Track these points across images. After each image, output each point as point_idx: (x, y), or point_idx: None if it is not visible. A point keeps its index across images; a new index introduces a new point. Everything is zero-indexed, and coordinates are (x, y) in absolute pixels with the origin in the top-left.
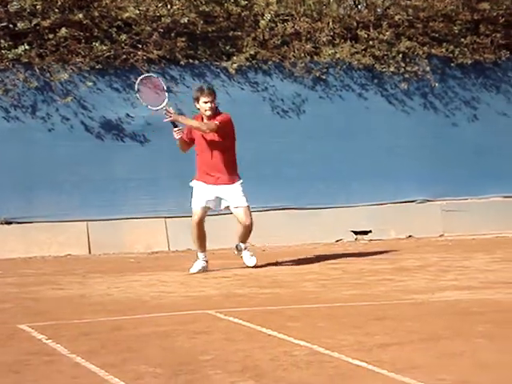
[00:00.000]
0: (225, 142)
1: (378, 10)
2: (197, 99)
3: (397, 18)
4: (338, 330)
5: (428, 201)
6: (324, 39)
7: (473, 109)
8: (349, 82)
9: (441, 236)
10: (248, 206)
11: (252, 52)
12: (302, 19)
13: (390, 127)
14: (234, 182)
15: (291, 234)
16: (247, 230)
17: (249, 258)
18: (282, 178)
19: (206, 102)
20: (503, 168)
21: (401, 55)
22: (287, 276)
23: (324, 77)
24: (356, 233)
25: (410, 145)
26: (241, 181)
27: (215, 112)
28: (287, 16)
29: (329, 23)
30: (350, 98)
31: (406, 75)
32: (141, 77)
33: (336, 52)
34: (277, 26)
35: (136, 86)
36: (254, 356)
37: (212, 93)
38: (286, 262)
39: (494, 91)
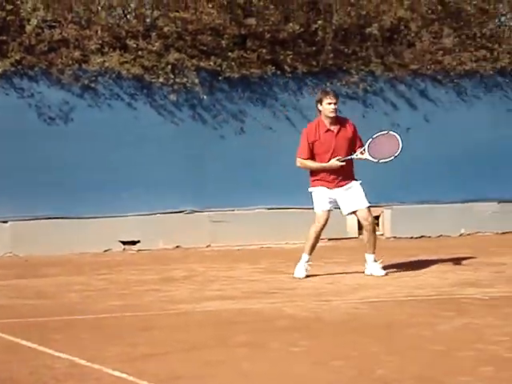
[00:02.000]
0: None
1: (147, 20)
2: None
3: (166, 29)
4: (102, 342)
5: (196, 211)
6: (92, 47)
7: (240, 122)
8: (118, 91)
9: (208, 246)
10: None
11: (17, 57)
12: (69, 26)
13: (159, 138)
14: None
15: (57, 243)
16: None
17: None
18: (45, 187)
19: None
20: (268, 180)
21: (170, 66)
22: (52, 287)
23: (93, 85)
24: (124, 243)
25: (179, 156)
26: None
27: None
28: (55, 22)
29: (97, 31)
30: (119, 107)
31: (175, 86)
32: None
33: (105, 60)
34: (44, 31)
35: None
36: (13, 369)
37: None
38: (52, 272)
39: (260, 105)
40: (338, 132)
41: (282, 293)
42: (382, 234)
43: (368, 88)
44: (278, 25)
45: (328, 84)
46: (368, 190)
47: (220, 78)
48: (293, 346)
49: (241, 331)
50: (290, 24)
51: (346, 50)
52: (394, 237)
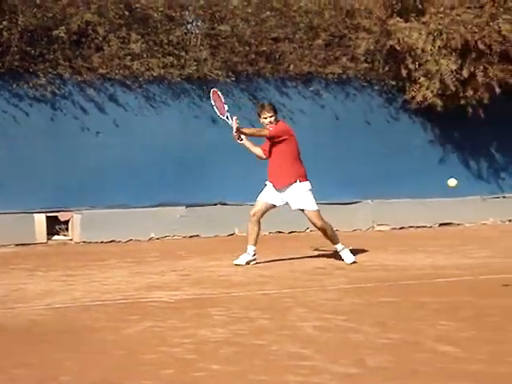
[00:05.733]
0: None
1: None
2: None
3: None
4: None
5: None
6: None
7: None
8: None
9: None
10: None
11: None
12: None
13: None
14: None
15: None
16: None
17: None
18: None
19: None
20: None
21: None
22: None
23: None
24: None
25: None
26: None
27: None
28: None
29: None
30: None
31: None
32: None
33: None
34: None
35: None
36: None
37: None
38: None
39: None
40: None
41: None
42: (71, 239)
43: (56, 91)
44: None
45: (14, 86)
46: (58, 196)
47: None
48: None
49: None
50: None
51: (32, 51)
52: (84, 241)
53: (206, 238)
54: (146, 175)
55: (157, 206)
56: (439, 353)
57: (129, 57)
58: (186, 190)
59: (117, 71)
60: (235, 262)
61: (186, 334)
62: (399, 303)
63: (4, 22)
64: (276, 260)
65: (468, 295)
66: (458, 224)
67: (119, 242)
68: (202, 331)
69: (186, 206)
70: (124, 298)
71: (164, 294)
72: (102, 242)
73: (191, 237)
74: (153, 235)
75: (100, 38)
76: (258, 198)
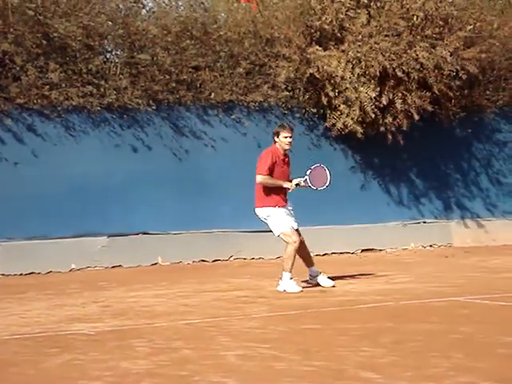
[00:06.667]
0: None
1: None
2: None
3: None
4: None
5: None
6: None
7: None
8: None
9: None
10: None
11: None
12: None
13: None
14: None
15: None
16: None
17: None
18: None
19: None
20: None
21: None
22: None
23: None
24: None
25: None
26: None
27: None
28: None
29: None
30: None
31: None
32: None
33: None
34: None
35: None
36: None
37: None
38: None
39: None
40: (286, 162)
41: None
42: None
43: None
44: None
45: None
46: None
47: None
48: None
49: None
50: None
51: None
52: (3, 274)
53: (128, 268)
54: (67, 205)
55: (78, 236)
56: (362, 379)
57: (47, 86)
58: (107, 220)
59: (35, 101)
60: (325, 283)
61: (108, 366)
62: (322, 330)
63: None
64: (200, 289)
65: (389, 321)
66: (380, 249)
67: (39, 273)
68: (123, 363)
69: (108, 236)
70: (43, 331)
71: (85, 326)
72: (21, 275)
73: (113, 267)
74: (73, 266)
75: (17, 68)
76: (285, 227)
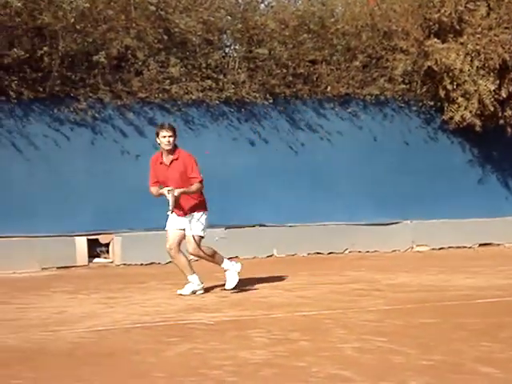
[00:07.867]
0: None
1: None
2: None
3: None
4: None
5: None
6: None
7: None
8: None
9: None
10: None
11: None
12: None
13: None
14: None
15: None
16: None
17: None
18: None
19: (164, 137)
20: None
21: None
22: None
23: None
24: None
25: None
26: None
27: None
28: None
29: None
30: None
31: None
32: None
33: None
34: None
35: None
36: None
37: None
38: None
39: None
40: (171, 164)
41: (5, 324)
42: (112, 262)
43: (96, 115)
44: (2, 50)
45: (56, 111)
46: (98, 219)
47: None
48: (14, 378)
49: None
50: (15, 49)
51: (73, 76)
52: (124, 264)
53: (244, 259)
54: None
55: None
56: (480, 374)
57: (168, 80)
58: (224, 212)
59: (156, 95)
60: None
61: (227, 355)
62: (440, 324)
63: (45, 48)
64: (315, 281)
65: (509, 316)
66: (498, 244)
67: (159, 263)
68: (241, 353)
69: (225, 228)
70: (163, 320)
71: (204, 315)
72: (141, 264)
73: (230, 258)
74: (191, 258)
75: (139, 63)
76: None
